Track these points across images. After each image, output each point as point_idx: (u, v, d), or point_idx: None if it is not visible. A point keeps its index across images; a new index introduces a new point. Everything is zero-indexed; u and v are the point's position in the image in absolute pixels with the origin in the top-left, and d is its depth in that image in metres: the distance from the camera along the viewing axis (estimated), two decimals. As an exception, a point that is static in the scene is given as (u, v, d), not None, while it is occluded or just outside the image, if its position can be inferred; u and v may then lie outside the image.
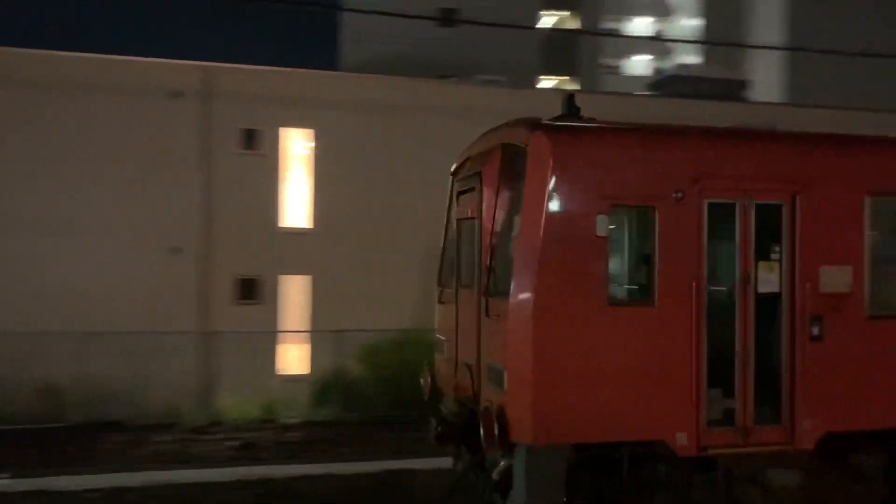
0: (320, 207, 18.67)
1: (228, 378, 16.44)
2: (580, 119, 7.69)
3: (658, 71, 37.73)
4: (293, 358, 18.21)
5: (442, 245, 9.74)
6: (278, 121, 18.36)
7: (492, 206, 7.79)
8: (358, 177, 18.61)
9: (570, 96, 7.90)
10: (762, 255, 7.64)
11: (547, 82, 40.12)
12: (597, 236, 7.01)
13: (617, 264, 7.36)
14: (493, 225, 7.77)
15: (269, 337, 17.61)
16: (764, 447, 7.50)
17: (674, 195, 7.23)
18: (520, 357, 6.93)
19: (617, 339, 7.08)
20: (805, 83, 37.29)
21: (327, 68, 24.46)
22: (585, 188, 7.08)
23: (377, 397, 15.25)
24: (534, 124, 7.44)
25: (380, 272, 18.32)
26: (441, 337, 9.39)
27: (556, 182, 6.98)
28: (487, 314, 7.46)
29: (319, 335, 17.01)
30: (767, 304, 7.61)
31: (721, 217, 7.50)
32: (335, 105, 18.46)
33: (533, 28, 33.33)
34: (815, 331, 7.59)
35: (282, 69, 19.17)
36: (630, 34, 47.61)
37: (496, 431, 6.93)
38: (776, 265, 7.64)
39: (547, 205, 6.94)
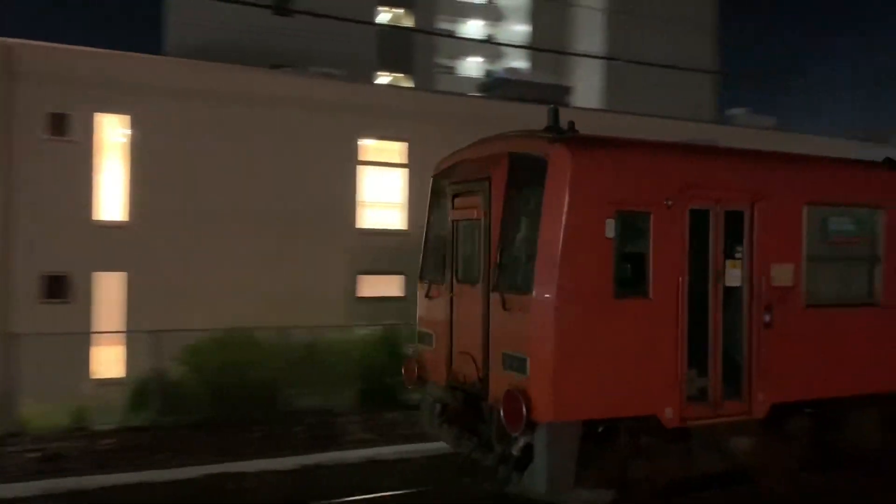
0: (138, 200, 17.66)
1: (32, 384, 15.08)
2: (574, 131, 8.57)
3: (488, 73, 38.90)
4: (107, 360, 17.09)
5: (423, 243, 10.34)
6: (92, 105, 17.14)
7: (500, 210, 8.65)
8: (180, 167, 17.80)
9: (555, 110, 8.68)
10: (730, 254, 9.01)
11: (384, 78, 40.31)
12: (605, 238, 8.01)
13: (620, 262, 8.28)
14: (501, 226, 8.60)
15: (80, 338, 16.40)
16: (729, 418, 8.85)
17: (665, 202, 8.37)
18: (543, 345, 7.85)
19: (621, 327, 8.16)
20: (619, 91, 39.97)
21: (150, 52, 23.14)
22: (597, 195, 8.06)
23: (199, 399, 14.62)
24: (551, 137, 8.31)
25: (202, 268, 17.60)
26: (427, 330, 10.09)
27: (574, 190, 7.90)
28: (504, 308, 8.28)
29: (137, 336, 16.04)
30: (732, 296, 9.02)
31: (699, 221, 8.76)
32: (156, 91, 17.53)
33: (370, 23, 33.28)
34: (767, 318, 9.05)
35: (97, 50, 17.89)
36: (463, 36, 48.83)
37: (524, 412, 7.69)
38: (739, 262, 9.03)
39: (565, 210, 7.84)
